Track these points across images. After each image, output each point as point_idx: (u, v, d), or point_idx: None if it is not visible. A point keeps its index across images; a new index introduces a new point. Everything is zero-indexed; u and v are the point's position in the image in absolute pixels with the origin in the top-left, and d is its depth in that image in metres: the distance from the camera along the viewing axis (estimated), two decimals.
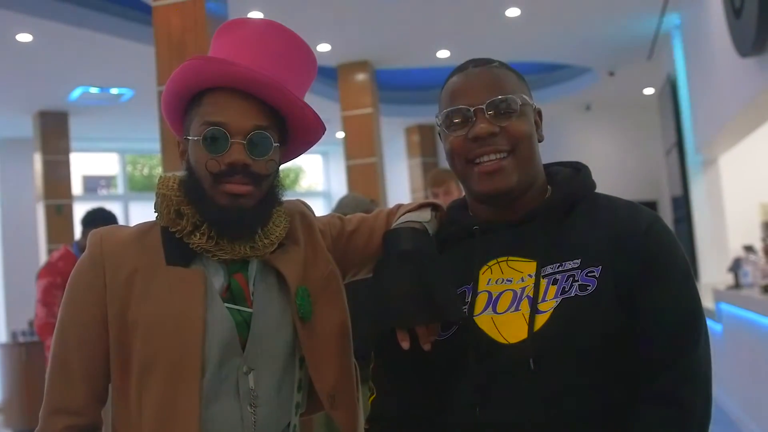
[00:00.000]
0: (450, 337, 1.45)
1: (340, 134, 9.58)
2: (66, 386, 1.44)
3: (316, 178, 15.07)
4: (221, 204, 1.43)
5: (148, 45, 6.00)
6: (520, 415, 1.36)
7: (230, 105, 1.44)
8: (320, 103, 10.15)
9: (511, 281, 1.45)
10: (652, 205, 11.24)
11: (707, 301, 7.60)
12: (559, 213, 1.48)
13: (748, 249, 6.65)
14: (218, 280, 1.46)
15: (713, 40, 6.07)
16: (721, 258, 7.58)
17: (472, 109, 1.46)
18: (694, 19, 7.12)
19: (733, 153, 7.59)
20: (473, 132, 1.46)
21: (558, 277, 1.41)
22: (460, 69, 1.53)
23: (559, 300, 1.39)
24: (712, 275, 7.73)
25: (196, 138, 1.43)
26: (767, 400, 5.34)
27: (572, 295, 1.39)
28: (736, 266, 6.62)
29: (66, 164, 9.87)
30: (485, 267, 1.48)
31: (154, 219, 1.52)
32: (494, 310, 1.43)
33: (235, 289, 1.46)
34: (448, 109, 1.49)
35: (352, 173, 8.99)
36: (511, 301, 1.43)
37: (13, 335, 8.71)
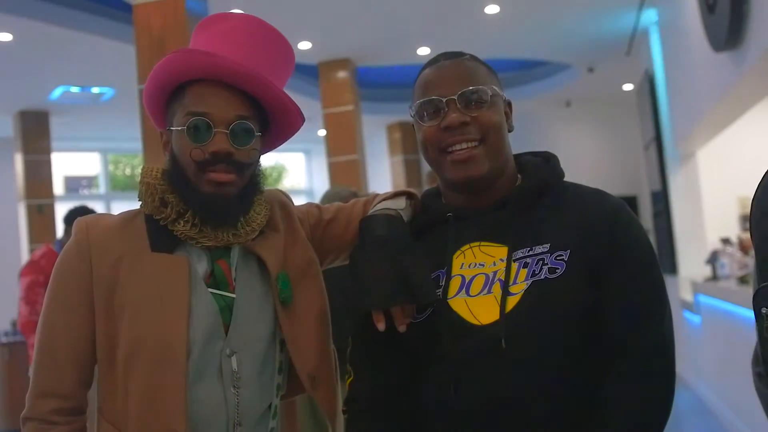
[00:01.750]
0: (425, 320, 1.51)
1: (322, 132, 9.60)
2: (53, 370, 1.48)
3: (298, 177, 15.07)
4: (206, 192, 1.48)
5: (128, 44, 6.02)
6: (493, 393, 1.42)
7: (213, 96, 1.49)
8: (301, 101, 10.08)
9: (483, 265, 1.51)
10: (632, 200, 11.34)
11: (686, 294, 7.69)
12: (529, 200, 1.55)
13: (725, 241, 6.73)
14: (202, 267, 1.52)
15: (689, 35, 6.14)
16: (699, 251, 7.67)
17: (444, 100, 1.52)
18: (671, 15, 7.20)
19: (710, 147, 7.66)
20: (445, 122, 1.52)
21: (528, 260, 1.48)
22: (433, 62, 1.60)
23: (529, 282, 1.45)
24: (690, 268, 7.82)
25: (180, 128, 1.48)
26: (744, 390, 5.42)
27: (542, 277, 1.45)
28: (713, 259, 6.71)
29: (47, 164, 9.83)
30: (458, 252, 1.54)
31: (138, 208, 1.56)
32: (467, 293, 1.49)
33: (218, 274, 1.52)
34: (421, 101, 1.55)
35: (334, 171, 9.02)
36: (483, 284, 1.49)
37: None
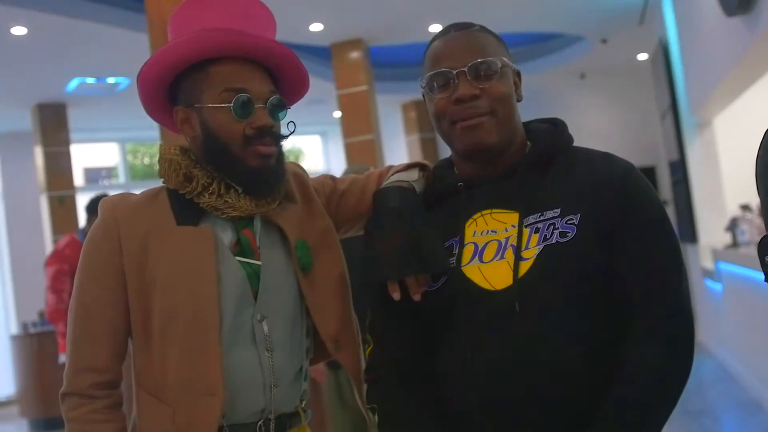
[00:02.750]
0: (440, 288, 1.54)
1: (337, 113, 9.62)
2: (89, 345, 1.54)
3: (315, 159, 15.12)
4: (253, 165, 1.56)
5: (142, 33, 6.06)
6: (508, 356, 1.45)
7: (247, 72, 1.57)
8: (315, 83, 10.09)
9: (495, 232, 1.54)
10: (650, 170, 11.28)
11: (707, 262, 7.68)
12: (538, 166, 1.57)
13: (745, 208, 6.71)
14: (227, 237, 1.58)
15: (701, 1, 6.10)
16: (719, 218, 7.64)
17: (454, 72, 1.55)
18: None
19: (726, 114, 7.61)
20: (456, 94, 1.54)
21: (540, 226, 1.50)
22: (442, 33, 1.62)
23: (541, 247, 1.48)
24: (711, 236, 7.79)
25: (220, 105, 1.53)
26: (767, 355, 5.43)
27: (553, 242, 1.48)
28: (733, 225, 6.69)
29: (67, 155, 9.93)
30: (470, 221, 1.57)
31: (159, 186, 1.63)
32: (480, 260, 1.52)
33: (244, 242, 1.59)
34: (431, 72, 1.57)
35: (350, 151, 9.05)
36: (496, 251, 1.52)
37: (24, 326, 8.81)
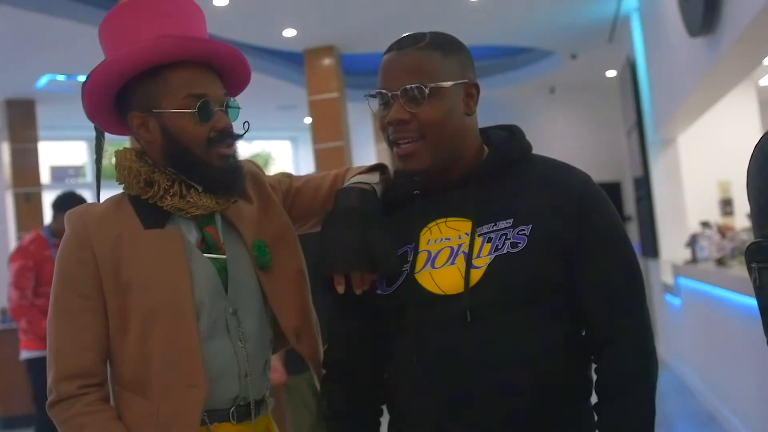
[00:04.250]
0: (393, 293, 1.58)
1: (308, 119, 9.65)
2: (77, 354, 1.58)
3: (285, 164, 15.13)
4: (217, 166, 1.62)
5: None
6: (455, 363, 1.49)
7: (204, 77, 1.63)
8: (287, 88, 10.20)
9: (449, 239, 1.56)
10: (615, 186, 11.46)
11: (667, 277, 7.82)
12: (492, 176, 1.59)
13: (705, 225, 6.85)
14: (192, 236, 1.64)
15: (667, 21, 6.23)
16: (680, 235, 7.77)
17: (389, 94, 1.55)
18: (650, 2, 7.29)
19: (690, 132, 7.77)
20: (387, 118, 1.57)
21: (492, 236, 1.53)
22: (389, 48, 1.62)
23: (492, 257, 1.51)
24: (672, 252, 7.93)
25: (184, 111, 1.59)
26: (723, 369, 5.54)
27: (504, 252, 1.50)
28: (693, 242, 6.83)
29: (34, 153, 9.85)
30: (425, 229, 1.60)
31: (120, 192, 1.68)
32: (432, 266, 1.55)
33: (209, 240, 1.65)
34: (372, 92, 1.59)
35: (320, 157, 9.09)
36: (448, 256, 1.55)
37: None
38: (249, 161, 1.84)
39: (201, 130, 1.60)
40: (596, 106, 12.13)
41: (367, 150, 13.03)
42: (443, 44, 1.59)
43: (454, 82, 1.56)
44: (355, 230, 1.57)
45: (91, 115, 1.69)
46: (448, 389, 1.50)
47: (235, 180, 1.66)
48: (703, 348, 6.29)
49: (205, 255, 1.63)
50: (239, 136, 1.66)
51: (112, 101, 1.67)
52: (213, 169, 1.61)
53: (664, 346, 8.24)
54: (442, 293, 1.52)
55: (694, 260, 6.71)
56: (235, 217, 1.69)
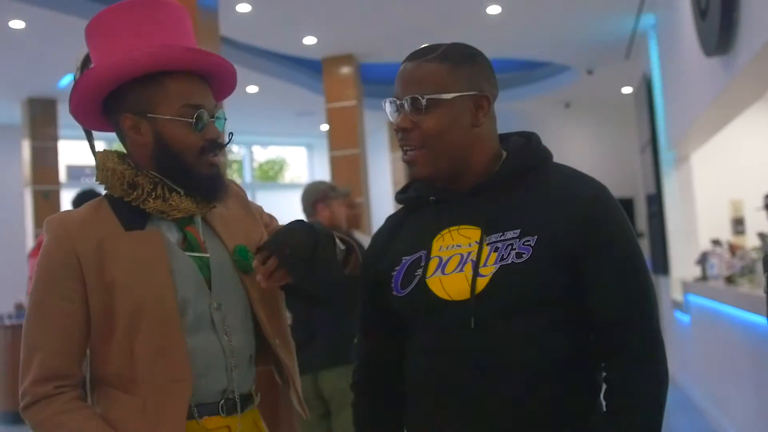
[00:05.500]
0: (405, 297, 1.63)
1: (325, 126, 9.74)
2: (53, 356, 1.59)
3: (299, 171, 15.21)
4: (206, 173, 1.68)
5: None
6: (458, 368, 1.54)
7: (200, 88, 1.69)
8: (304, 95, 10.30)
9: (460, 246, 1.60)
10: (628, 202, 11.48)
11: (677, 294, 7.84)
12: (503, 186, 1.62)
13: (715, 243, 6.88)
14: (173, 236, 1.69)
15: (683, 40, 6.28)
16: (691, 253, 7.78)
17: (397, 102, 1.62)
18: (668, 20, 7.34)
19: (704, 151, 7.79)
20: (394, 125, 1.64)
21: (499, 245, 1.56)
22: (407, 58, 1.66)
23: (498, 266, 1.53)
24: (682, 269, 7.95)
25: (181, 119, 1.64)
26: (729, 387, 5.56)
27: (509, 262, 1.53)
28: (703, 259, 6.86)
29: (54, 151, 9.98)
30: (438, 235, 1.64)
31: (97, 198, 1.73)
32: (442, 272, 1.60)
33: (191, 239, 1.70)
34: (388, 99, 1.65)
35: (335, 164, 9.17)
36: (457, 263, 1.58)
37: None
38: (233, 181, 1.92)
39: (195, 138, 1.65)
40: (611, 121, 12.16)
41: (382, 158, 13.11)
42: (454, 56, 1.62)
43: (458, 94, 1.59)
44: (304, 235, 1.66)
45: (76, 111, 1.74)
46: (452, 392, 1.55)
47: (219, 187, 1.72)
48: (711, 365, 6.31)
49: (186, 254, 1.68)
50: (223, 146, 1.73)
51: (101, 100, 1.71)
52: (201, 176, 1.68)
53: (672, 363, 8.17)
54: (450, 299, 1.56)
55: (704, 278, 6.73)
56: (217, 222, 1.75)
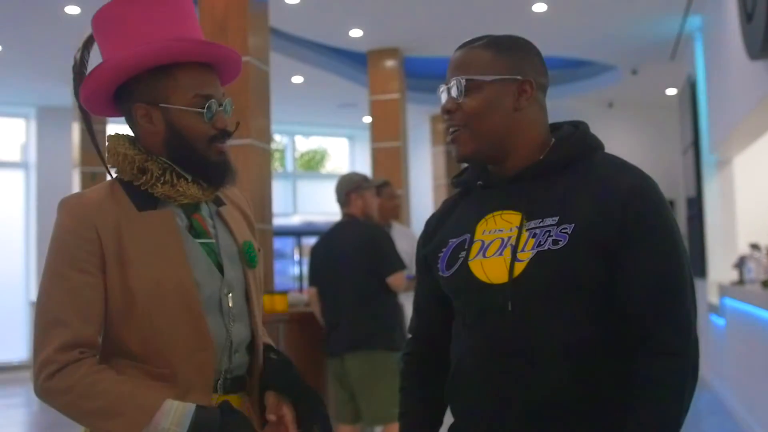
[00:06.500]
0: (451, 276, 1.71)
1: (367, 118, 9.83)
2: (77, 324, 1.63)
3: (340, 161, 15.34)
4: (215, 161, 1.76)
5: None
6: (495, 347, 1.62)
7: (210, 79, 1.76)
8: (348, 87, 10.41)
9: (501, 231, 1.67)
10: (669, 204, 11.40)
11: (713, 297, 7.82)
12: (548, 173, 1.67)
13: (754, 247, 6.86)
14: (181, 221, 1.76)
15: (729, 43, 6.26)
16: (729, 256, 7.76)
17: (446, 86, 1.70)
18: (714, 22, 7.31)
19: (746, 154, 7.76)
20: (442, 108, 1.72)
21: (537, 231, 1.61)
22: (458, 47, 1.75)
23: (534, 252, 1.59)
24: (719, 272, 7.93)
25: (192, 109, 1.71)
26: (762, 391, 5.56)
27: (545, 248, 1.58)
28: (741, 263, 6.85)
29: (103, 133, 10.08)
30: (482, 220, 1.71)
31: (109, 179, 1.79)
32: (484, 255, 1.66)
33: (197, 226, 1.78)
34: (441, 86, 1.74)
35: (377, 156, 9.27)
36: (498, 247, 1.65)
37: None
38: (238, 191, 1.99)
39: (205, 127, 1.72)
40: (654, 123, 12.09)
41: (423, 152, 13.19)
42: (500, 43, 1.69)
43: (498, 77, 1.65)
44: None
45: (87, 101, 1.78)
46: (489, 371, 1.62)
47: (227, 174, 1.79)
48: (744, 369, 6.31)
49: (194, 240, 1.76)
50: (231, 134, 1.79)
51: (114, 90, 1.77)
52: (210, 163, 1.75)
53: (706, 366, 8.23)
54: (489, 282, 1.63)
55: (741, 281, 6.73)
56: (229, 218, 1.84)
